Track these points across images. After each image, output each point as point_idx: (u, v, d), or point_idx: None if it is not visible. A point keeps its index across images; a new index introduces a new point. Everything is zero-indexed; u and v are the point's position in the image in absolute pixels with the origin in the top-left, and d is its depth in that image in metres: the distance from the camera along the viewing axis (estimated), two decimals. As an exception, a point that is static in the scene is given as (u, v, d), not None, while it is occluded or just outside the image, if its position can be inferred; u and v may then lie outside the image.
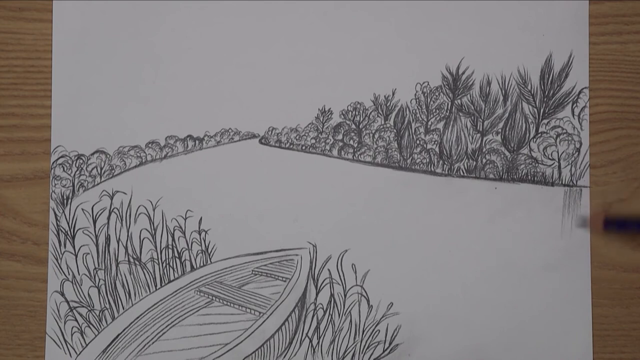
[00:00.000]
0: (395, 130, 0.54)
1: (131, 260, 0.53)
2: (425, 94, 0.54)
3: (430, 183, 0.53)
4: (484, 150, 0.53)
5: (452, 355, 0.52)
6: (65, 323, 0.53)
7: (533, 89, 0.53)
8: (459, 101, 0.54)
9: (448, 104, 0.54)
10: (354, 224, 0.53)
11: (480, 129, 0.54)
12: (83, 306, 0.53)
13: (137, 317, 0.53)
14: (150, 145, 0.54)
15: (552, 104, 0.53)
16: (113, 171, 0.54)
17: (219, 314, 0.53)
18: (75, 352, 0.52)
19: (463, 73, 0.53)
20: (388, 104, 0.54)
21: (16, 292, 0.53)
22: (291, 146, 0.54)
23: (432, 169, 0.54)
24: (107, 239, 0.53)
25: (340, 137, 0.54)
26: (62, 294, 0.53)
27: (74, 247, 0.53)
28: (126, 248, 0.53)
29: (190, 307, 0.53)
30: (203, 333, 0.53)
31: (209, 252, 0.53)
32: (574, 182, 0.53)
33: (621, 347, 0.52)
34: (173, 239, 0.53)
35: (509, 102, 0.53)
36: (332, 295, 0.53)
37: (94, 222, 0.53)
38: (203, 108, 0.54)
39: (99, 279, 0.53)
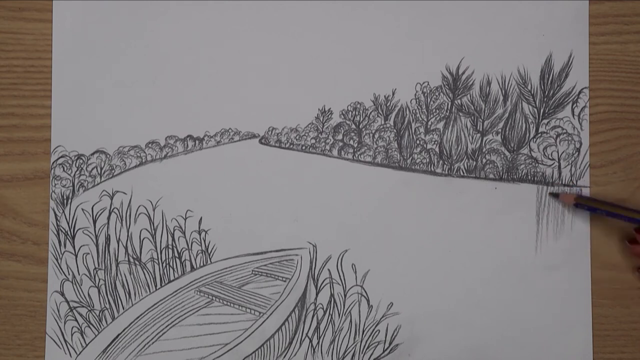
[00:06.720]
0: (395, 130, 0.54)
1: (131, 260, 0.53)
2: (425, 94, 0.54)
3: (430, 183, 0.53)
4: (484, 150, 0.53)
5: (452, 355, 0.52)
6: (65, 323, 0.53)
7: (533, 89, 0.53)
8: (459, 101, 0.54)
9: (448, 104, 0.54)
10: (354, 223, 0.53)
11: (480, 129, 0.54)
12: (83, 306, 0.53)
13: (137, 317, 0.53)
14: (150, 145, 0.54)
15: (552, 104, 0.53)
16: (113, 171, 0.54)
17: (219, 314, 0.53)
18: (75, 352, 0.52)
19: (463, 73, 0.53)
20: (388, 104, 0.54)
21: (16, 292, 0.53)
22: (291, 146, 0.54)
23: (432, 169, 0.53)
24: (107, 239, 0.53)
25: (340, 137, 0.54)
26: (62, 294, 0.53)
27: (74, 247, 0.53)
28: (126, 248, 0.53)
29: (190, 307, 0.53)
30: (203, 333, 0.53)
31: (209, 252, 0.53)
32: (574, 182, 0.53)
33: (621, 347, 0.52)
34: (173, 239, 0.53)
35: (509, 102, 0.53)
36: (332, 295, 0.53)
37: (94, 222, 0.53)
38: (203, 108, 0.54)
39: (99, 279, 0.53)
